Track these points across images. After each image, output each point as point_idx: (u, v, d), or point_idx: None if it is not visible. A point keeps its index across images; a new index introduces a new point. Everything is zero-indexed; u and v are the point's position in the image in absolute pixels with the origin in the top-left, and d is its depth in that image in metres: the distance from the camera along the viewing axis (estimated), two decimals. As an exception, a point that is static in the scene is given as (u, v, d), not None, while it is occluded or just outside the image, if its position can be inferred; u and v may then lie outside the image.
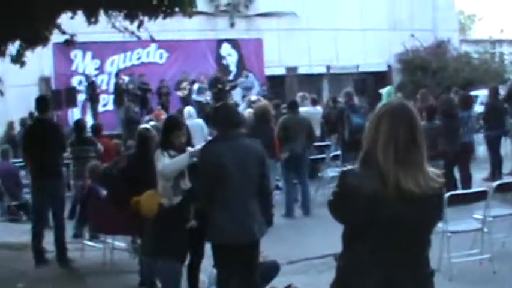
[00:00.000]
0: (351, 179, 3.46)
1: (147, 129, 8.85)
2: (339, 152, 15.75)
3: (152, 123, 14.59)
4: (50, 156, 9.98)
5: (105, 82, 26.69)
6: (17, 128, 17.88)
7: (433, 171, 3.48)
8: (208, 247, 6.81)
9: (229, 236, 6.25)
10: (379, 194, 3.36)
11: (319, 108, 18.49)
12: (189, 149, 6.98)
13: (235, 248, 6.31)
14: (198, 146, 6.89)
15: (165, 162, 6.91)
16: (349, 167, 3.57)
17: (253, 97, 20.79)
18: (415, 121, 3.47)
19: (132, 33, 9.20)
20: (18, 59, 10.03)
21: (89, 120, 23.42)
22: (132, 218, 8.66)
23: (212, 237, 6.42)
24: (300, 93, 18.82)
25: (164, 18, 8.57)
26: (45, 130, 10.06)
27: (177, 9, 8.40)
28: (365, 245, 3.47)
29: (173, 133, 7.13)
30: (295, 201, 13.90)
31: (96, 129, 14.30)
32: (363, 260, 3.48)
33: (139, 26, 8.71)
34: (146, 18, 8.66)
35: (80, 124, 13.24)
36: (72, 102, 23.41)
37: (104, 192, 9.95)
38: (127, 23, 8.99)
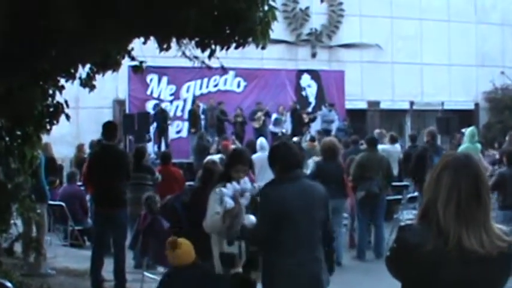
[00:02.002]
0: (409, 235, 3.34)
1: (213, 162, 8.82)
2: (416, 194, 15.49)
3: (219, 156, 14.66)
4: (115, 184, 10.09)
5: (180, 108, 26.93)
6: (87, 150, 18.12)
7: (500, 228, 3.34)
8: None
9: (295, 285, 6.00)
10: (439, 253, 3.23)
11: (397, 146, 18.24)
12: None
13: None
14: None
15: (207, 218, 6.86)
16: (408, 222, 3.45)
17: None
18: (481, 175, 3.33)
19: (203, 62, 9.21)
20: (88, 83, 10.15)
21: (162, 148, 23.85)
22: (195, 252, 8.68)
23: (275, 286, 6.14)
24: (377, 130, 18.65)
25: (236, 48, 8.53)
26: (111, 157, 10.18)
27: (249, 40, 8.35)
28: None
29: (234, 167, 7.04)
30: (368, 243, 13.70)
31: (165, 157, 14.39)
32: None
33: (211, 55, 8.69)
34: (218, 48, 8.64)
35: (139, 151, 13.38)
36: (145, 128, 23.61)
37: (167, 225, 9.96)
38: (198, 51, 9.00)
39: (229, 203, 6.68)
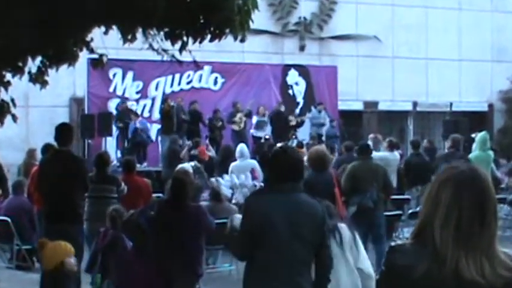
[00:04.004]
0: (399, 257, 3.32)
1: (185, 172, 8.87)
2: (419, 209, 15.52)
3: (192, 163, 14.69)
4: (68, 196, 10.04)
5: (147, 108, 26.83)
6: (39, 156, 18.06)
7: (509, 254, 3.28)
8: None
9: None
10: (431, 280, 3.21)
11: (397, 154, 18.28)
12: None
13: None
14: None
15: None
16: (399, 242, 3.45)
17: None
18: (487, 193, 3.27)
19: (173, 56, 9.23)
20: (39, 78, 10.12)
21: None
22: (161, 275, 8.73)
23: None
24: (372, 135, 18.67)
25: (211, 40, 8.58)
26: (64, 165, 10.13)
27: (227, 31, 8.40)
28: None
29: None
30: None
31: (128, 165, 14.31)
32: None
33: (182, 48, 8.72)
34: (191, 40, 8.67)
35: (102, 158, 13.22)
36: (106, 131, 23.46)
37: (130, 243, 9.96)
38: (168, 44, 9.03)
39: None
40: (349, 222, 13.04)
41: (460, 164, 3.47)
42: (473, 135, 19.98)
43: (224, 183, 16.07)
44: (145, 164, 23.44)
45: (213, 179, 16.24)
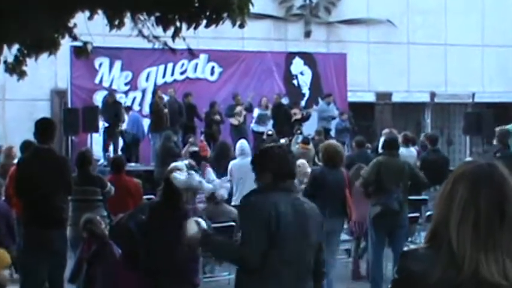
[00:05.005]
0: (413, 262, 3.34)
1: (178, 170, 8.82)
2: (434, 210, 15.44)
3: (186, 161, 14.57)
4: (50, 199, 10.02)
5: (137, 101, 26.84)
6: (17, 155, 18.05)
7: None
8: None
9: None
10: (449, 284, 3.21)
11: (413, 150, 18.24)
12: None
13: None
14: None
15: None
16: (413, 246, 3.44)
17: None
18: (506, 189, 3.28)
19: (165, 43, 9.23)
20: (16, 68, 10.11)
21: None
22: (152, 285, 8.72)
23: None
24: (386, 130, 18.63)
25: (207, 26, 8.57)
26: (46, 164, 10.11)
27: (224, 16, 8.40)
28: None
29: None
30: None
31: (117, 164, 14.31)
32: None
33: (175, 34, 8.71)
34: (184, 26, 8.67)
35: (84, 156, 13.19)
36: (92, 126, 23.41)
37: (119, 251, 9.95)
38: (159, 30, 9.03)
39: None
40: (372, 222, 13.17)
41: (477, 159, 3.48)
42: (497, 129, 19.95)
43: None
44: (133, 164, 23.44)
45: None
